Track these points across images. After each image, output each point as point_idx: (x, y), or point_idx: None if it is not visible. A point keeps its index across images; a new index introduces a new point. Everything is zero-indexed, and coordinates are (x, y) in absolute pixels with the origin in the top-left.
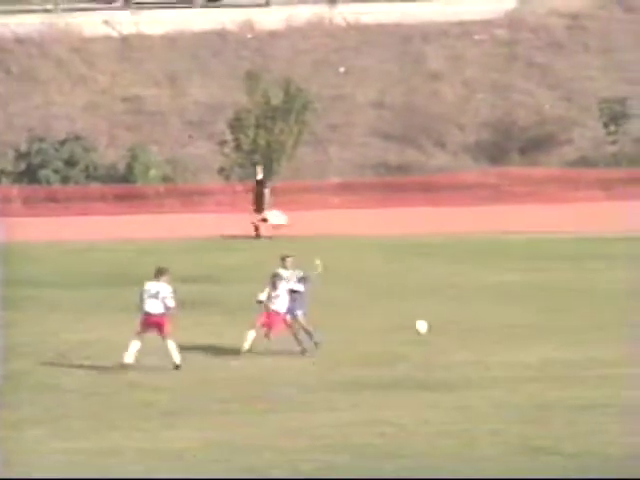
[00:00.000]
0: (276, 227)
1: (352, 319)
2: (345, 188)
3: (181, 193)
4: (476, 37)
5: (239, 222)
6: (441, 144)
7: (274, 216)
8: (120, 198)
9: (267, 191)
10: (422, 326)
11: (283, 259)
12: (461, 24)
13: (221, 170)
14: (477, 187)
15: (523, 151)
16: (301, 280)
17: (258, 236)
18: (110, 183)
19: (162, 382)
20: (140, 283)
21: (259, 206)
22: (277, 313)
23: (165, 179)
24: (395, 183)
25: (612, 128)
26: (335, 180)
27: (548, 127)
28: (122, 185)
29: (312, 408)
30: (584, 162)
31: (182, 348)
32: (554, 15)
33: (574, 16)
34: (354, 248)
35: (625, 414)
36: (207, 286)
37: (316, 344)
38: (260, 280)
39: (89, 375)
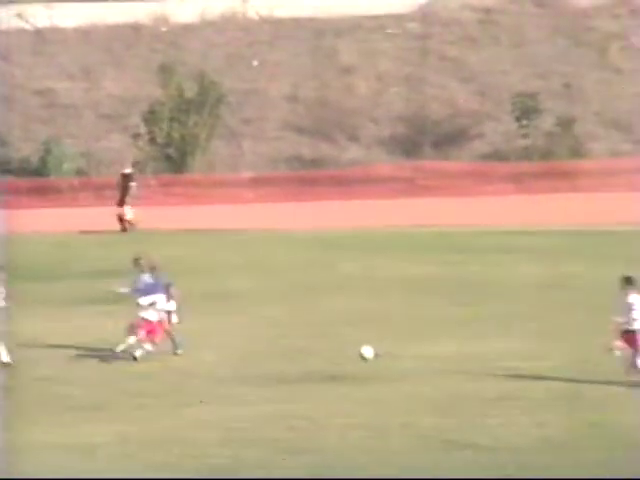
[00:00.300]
0: (131, 222)
1: (265, 312)
2: (258, 182)
3: (95, 186)
4: (389, 31)
5: (154, 215)
6: (354, 138)
7: (130, 212)
8: (34, 192)
9: (134, 185)
10: (368, 352)
11: (136, 261)
12: (374, 18)
13: (135, 163)
14: (391, 181)
15: (436, 145)
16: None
17: (124, 229)
18: (24, 177)
19: (77, 376)
20: (52, 276)
21: (122, 200)
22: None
23: (79, 172)
24: (309, 177)
25: (524, 122)
26: (248, 174)
27: (461, 121)
28: (36, 179)
29: (224, 402)
30: (496, 156)
31: (97, 342)
32: (466, 9)
33: (486, 10)
34: (268, 242)
35: (534, 406)
36: (121, 280)
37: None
38: (182, 273)
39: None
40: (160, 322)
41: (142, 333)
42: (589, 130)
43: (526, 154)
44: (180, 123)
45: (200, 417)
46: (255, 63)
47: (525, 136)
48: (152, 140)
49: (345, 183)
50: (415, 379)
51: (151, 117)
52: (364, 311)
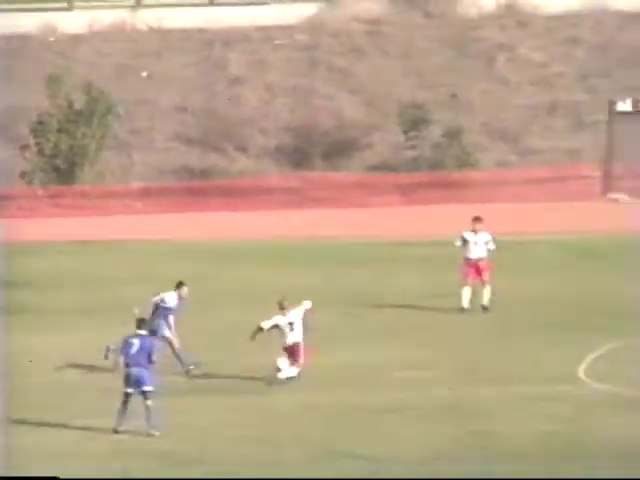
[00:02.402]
0: None
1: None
2: (147, 193)
3: None
4: (277, 42)
5: (41, 226)
6: (243, 148)
7: None
8: None
9: None
10: (283, 363)
11: None
12: (263, 29)
13: (23, 174)
14: (279, 191)
15: (325, 155)
16: None
17: None
18: None
19: None
20: None
21: None
22: None
23: None
24: (197, 187)
25: (412, 133)
26: (138, 185)
27: (349, 132)
28: None
29: (114, 413)
30: (385, 167)
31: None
32: (354, 21)
33: (374, 22)
34: (157, 253)
35: (420, 417)
36: (10, 291)
37: None
38: (68, 285)
39: None
40: None
41: None
42: (476, 141)
43: (414, 165)
44: (69, 134)
45: (90, 429)
46: (144, 74)
47: (413, 147)
48: (40, 151)
49: (234, 194)
50: (305, 390)
51: (39, 128)
52: (253, 323)
